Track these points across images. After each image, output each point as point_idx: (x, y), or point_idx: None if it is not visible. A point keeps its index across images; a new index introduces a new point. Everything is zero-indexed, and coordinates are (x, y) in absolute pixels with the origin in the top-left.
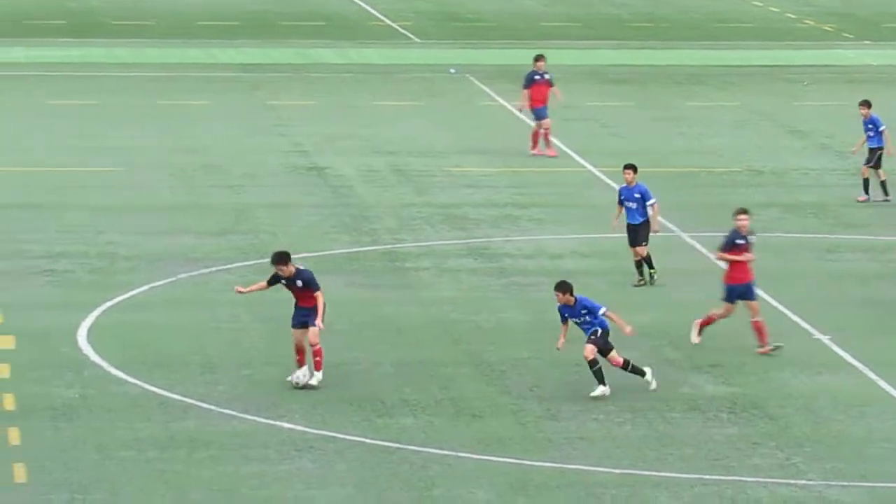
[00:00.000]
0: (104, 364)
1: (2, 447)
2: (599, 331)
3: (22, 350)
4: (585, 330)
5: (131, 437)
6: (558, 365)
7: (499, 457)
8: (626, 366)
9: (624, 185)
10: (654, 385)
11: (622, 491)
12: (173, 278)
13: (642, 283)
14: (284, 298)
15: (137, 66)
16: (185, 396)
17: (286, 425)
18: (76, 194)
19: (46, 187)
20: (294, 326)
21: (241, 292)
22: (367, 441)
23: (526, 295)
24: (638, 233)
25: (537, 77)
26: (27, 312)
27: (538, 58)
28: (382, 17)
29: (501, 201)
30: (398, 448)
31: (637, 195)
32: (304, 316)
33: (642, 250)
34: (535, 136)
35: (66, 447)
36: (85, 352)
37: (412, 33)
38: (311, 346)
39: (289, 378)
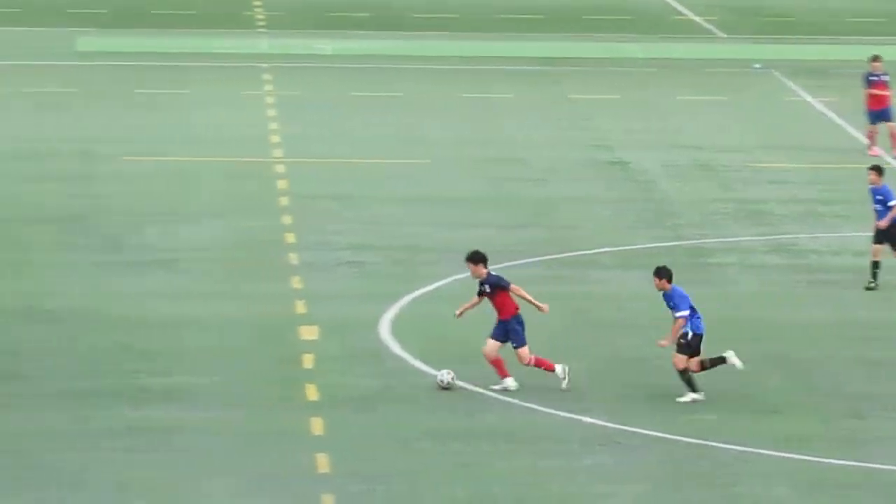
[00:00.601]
0: (406, 356)
1: (305, 437)
2: (690, 334)
3: (325, 341)
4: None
5: (432, 428)
6: (863, 363)
7: (800, 454)
8: (703, 367)
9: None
10: (738, 364)
11: None
12: None
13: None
14: (590, 293)
15: (440, 59)
16: (486, 389)
17: (587, 419)
18: (382, 186)
19: (353, 179)
20: (492, 337)
21: (459, 315)
22: (669, 437)
23: (831, 292)
24: (886, 233)
25: (873, 78)
26: (331, 303)
27: (874, 58)
28: (687, 12)
29: (805, 197)
30: (699, 444)
31: (879, 197)
32: (501, 328)
33: (878, 249)
34: (871, 135)
35: (367, 438)
36: (387, 343)
37: (717, 28)
38: (526, 364)
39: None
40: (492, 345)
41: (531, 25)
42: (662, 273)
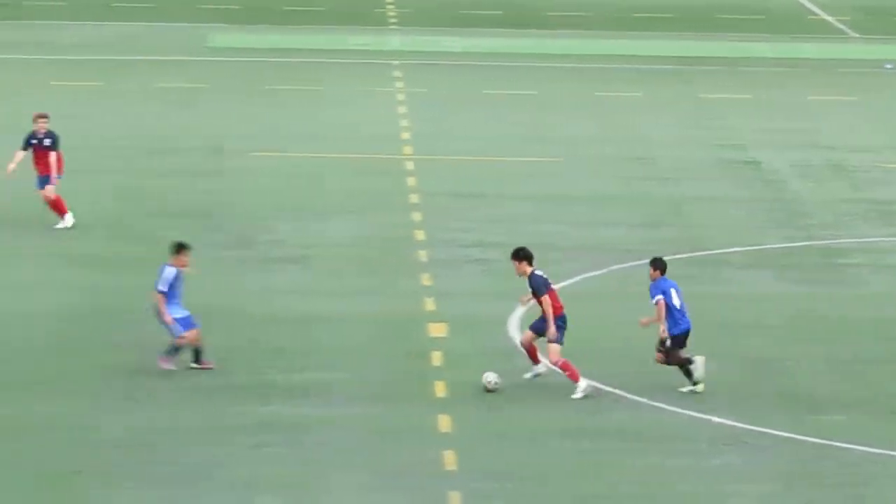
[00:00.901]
0: None
1: (433, 434)
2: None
3: (454, 338)
4: None
5: (562, 426)
6: None
7: None
8: (667, 362)
9: None
10: (700, 371)
11: None
12: (606, 269)
13: None
14: (720, 293)
15: (573, 57)
16: (616, 387)
17: (715, 419)
18: (512, 183)
19: (483, 176)
20: (531, 328)
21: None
22: (797, 437)
23: None
24: None
25: None
26: (460, 301)
27: None
28: (819, 12)
29: None
30: (828, 445)
31: None
32: (538, 323)
33: None
34: None
35: (494, 435)
36: (516, 341)
37: (849, 28)
38: (553, 364)
39: (525, 375)
40: (528, 335)
41: (663, 24)
42: (658, 264)
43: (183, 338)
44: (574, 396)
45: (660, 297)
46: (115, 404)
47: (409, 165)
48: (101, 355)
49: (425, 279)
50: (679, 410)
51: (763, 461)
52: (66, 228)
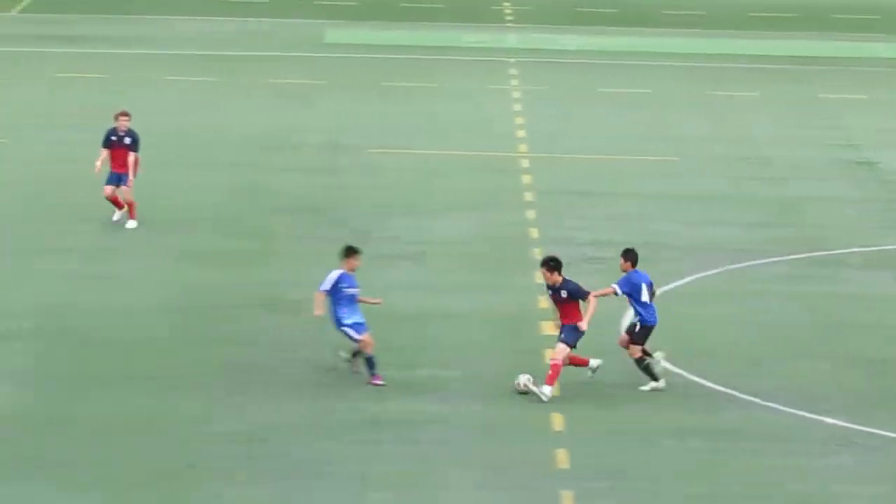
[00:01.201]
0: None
1: (545, 432)
2: (638, 326)
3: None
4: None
5: (675, 425)
6: None
7: None
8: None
9: None
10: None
11: None
12: (720, 269)
13: None
14: (837, 293)
15: (688, 56)
16: (728, 388)
17: (828, 420)
18: (626, 182)
19: (597, 174)
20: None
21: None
22: None
23: None
24: None
25: None
26: None
27: None
28: None
29: None
30: None
31: None
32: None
33: None
34: None
35: (607, 434)
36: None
37: None
38: (551, 359)
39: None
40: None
41: (778, 24)
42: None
43: (360, 341)
44: (541, 396)
45: (615, 288)
46: (229, 399)
47: (525, 163)
48: (215, 350)
49: (539, 277)
50: (791, 411)
51: (875, 462)
52: (116, 222)
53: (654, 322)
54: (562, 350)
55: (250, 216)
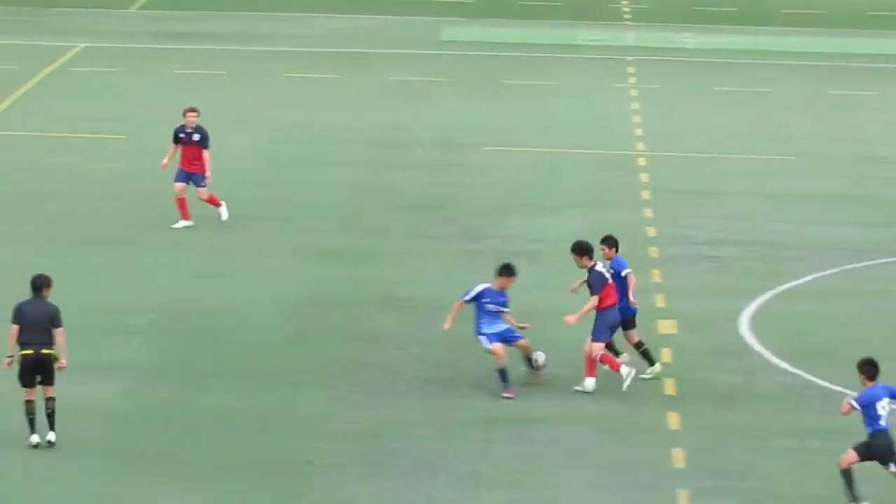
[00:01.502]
0: (766, 352)
1: (662, 431)
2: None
3: (683, 335)
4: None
5: (791, 426)
6: None
7: None
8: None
9: None
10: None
11: None
12: (839, 269)
13: None
14: None
15: (807, 55)
16: (846, 388)
17: None
18: (744, 181)
19: (715, 173)
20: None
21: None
22: None
23: None
24: None
25: None
26: (689, 298)
27: None
28: None
29: None
30: None
31: None
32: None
33: None
34: None
35: (724, 434)
36: (746, 339)
37: None
38: (589, 351)
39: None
40: (597, 347)
41: None
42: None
43: (490, 350)
44: (577, 388)
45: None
46: (347, 396)
47: (642, 161)
48: (333, 347)
49: (656, 275)
50: None
51: None
52: (225, 222)
53: (634, 312)
54: (598, 347)
55: (367, 213)
